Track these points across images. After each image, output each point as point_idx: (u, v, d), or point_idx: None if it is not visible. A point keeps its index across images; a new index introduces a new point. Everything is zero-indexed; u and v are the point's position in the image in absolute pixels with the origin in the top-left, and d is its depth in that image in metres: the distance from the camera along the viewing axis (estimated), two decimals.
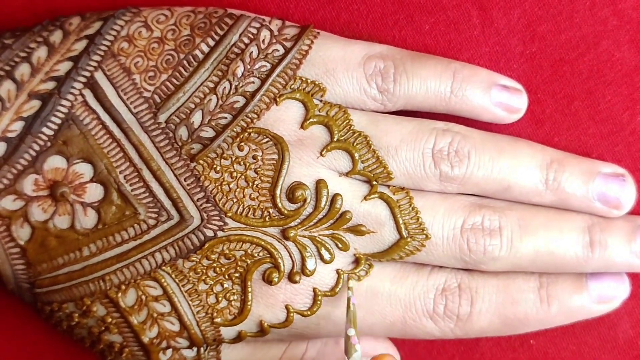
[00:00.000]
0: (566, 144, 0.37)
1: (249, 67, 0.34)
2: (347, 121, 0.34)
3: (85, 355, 0.39)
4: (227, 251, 0.34)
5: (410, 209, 0.34)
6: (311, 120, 0.34)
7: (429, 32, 0.37)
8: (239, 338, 0.35)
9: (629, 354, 0.38)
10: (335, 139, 0.34)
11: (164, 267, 0.34)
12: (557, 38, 0.37)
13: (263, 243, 0.34)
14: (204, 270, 0.34)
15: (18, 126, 0.33)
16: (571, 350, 0.39)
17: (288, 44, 0.34)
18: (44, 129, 0.33)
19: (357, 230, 0.34)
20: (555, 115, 0.37)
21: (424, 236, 0.34)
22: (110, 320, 0.34)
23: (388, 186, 0.35)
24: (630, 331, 0.38)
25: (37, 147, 0.33)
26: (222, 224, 0.34)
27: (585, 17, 0.37)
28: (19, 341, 0.39)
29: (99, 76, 0.34)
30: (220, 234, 0.34)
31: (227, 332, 0.35)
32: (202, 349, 0.35)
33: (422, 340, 0.39)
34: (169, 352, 0.35)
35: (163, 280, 0.34)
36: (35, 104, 0.33)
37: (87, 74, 0.33)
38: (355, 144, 0.34)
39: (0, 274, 0.34)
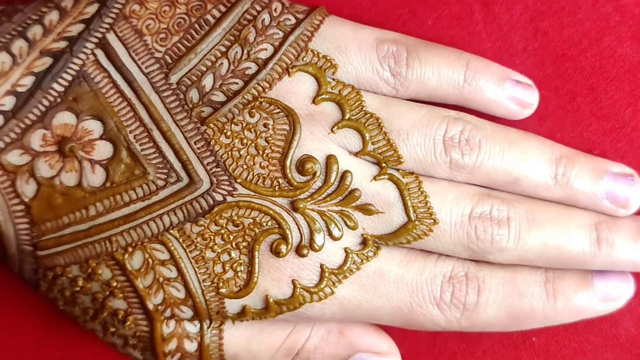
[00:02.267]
0: (569, 140, 0.37)
1: (261, 33, 0.34)
2: (360, 102, 0.34)
3: (84, 352, 0.39)
4: (235, 217, 0.34)
5: (419, 192, 0.34)
6: (323, 96, 0.34)
7: (431, 27, 0.37)
8: (243, 313, 0.34)
9: (631, 352, 0.38)
10: (346, 117, 0.34)
11: (171, 231, 0.33)
12: (559, 34, 0.37)
13: (272, 212, 0.34)
14: (212, 237, 0.34)
15: (28, 81, 0.33)
16: (573, 348, 0.38)
17: (300, 16, 0.35)
18: (55, 85, 0.33)
19: (365, 209, 0.34)
20: (557, 112, 0.37)
21: (432, 221, 0.34)
22: (115, 284, 0.34)
23: (397, 170, 0.35)
24: (633, 329, 0.38)
25: (46, 103, 0.33)
26: (231, 189, 0.33)
27: (587, 13, 0.37)
28: (18, 339, 0.39)
29: (111, 37, 0.34)
30: (229, 199, 0.33)
31: (232, 306, 0.34)
32: (205, 325, 0.35)
33: (424, 338, 0.39)
34: (172, 324, 0.34)
35: (170, 244, 0.33)
36: (47, 60, 0.33)
37: (99, 35, 0.33)
38: (366, 125, 0.34)
39: (2, 235, 0.33)
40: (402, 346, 0.38)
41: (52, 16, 0.33)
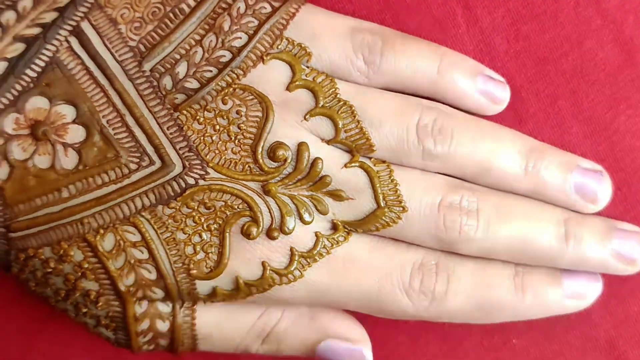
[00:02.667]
0: (549, 142, 0.37)
1: (236, 21, 0.34)
2: (334, 89, 0.35)
3: (73, 350, 0.39)
4: (207, 200, 0.34)
5: (390, 180, 0.34)
6: (297, 83, 0.34)
7: (414, 31, 0.37)
8: (213, 294, 0.35)
9: (611, 354, 0.38)
10: (320, 105, 0.34)
11: (143, 213, 0.34)
12: (541, 37, 0.37)
13: (243, 195, 0.34)
14: (183, 219, 0.34)
15: (1, 66, 0.33)
16: (553, 350, 0.38)
17: (275, 4, 0.35)
18: (28, 71, 0.33)
19: (336, 195, 0.34)
20: (538, 114, 0.37)
21: (401, 208, 0.34)
22: (87, 265, 0.34)
23: (369, 158, 0.35)
24: (612, 331, 0.38)
25: (19, 88, 0.33)
26: (203, 173, 0.34)
27: (569, 16, 0.37)
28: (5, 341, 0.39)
29: (85, 25, 0.34)
30: (201, 182, 0.34)
31: (202, 287, 0.35)
32: (177, 305, 0.35)
33: (404, 340, 0.39)
34: (145, 303, 0.35)
35: (142, 226, 0.34)
36: (20, 47, 0.33)
37: (73, 22, 0.34)
38: (339, 112, 0.34)
39: None
40: (384, 348, 0.38)
41: (26, 3, 0.34)
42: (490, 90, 0.36)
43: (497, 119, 0.36)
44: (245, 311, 0.36)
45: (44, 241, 0.34)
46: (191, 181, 0.34)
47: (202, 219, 0.34)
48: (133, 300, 0.34)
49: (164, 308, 0.35)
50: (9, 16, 0.33)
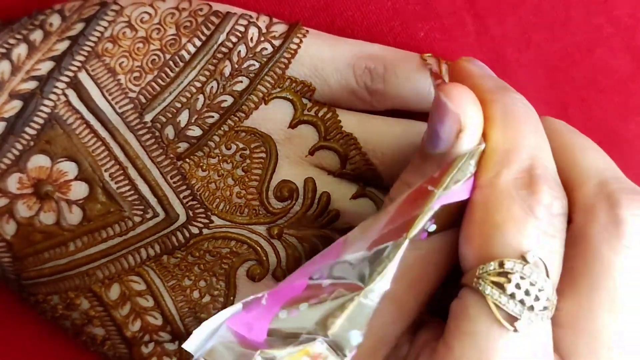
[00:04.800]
0: None
1: (237, 66, 0.34)
2: (336, 122, 0.34)
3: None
4: (212, 248, 0.34)
5: None
6: (300, 119, 0.34)
7: (423, 39, 0.37)
8: None
9: None
10: (323, 139, 0.34)
11: (148, 263, 0.34)
12: (551, 45, 0.37)
13: (248, 241, 0.34)
14: (189, 267, 0.34)
15: (0, 127, 0.33)
16: None
17: (277, 42, 0.34)
18: (27, 129, 0.33)
19: (344, 230, 0.34)
20: None
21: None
22: (93, 313, 0.34)
23: (376, 186, 0.35)
24: None
25: (20, 147, 0.33)
26: (207, 221, 0.34)
27: (580, 24, 0.37)
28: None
29: (83, 76, 0.33)
30: (205, 231, 0.34)
31: None
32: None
33: None
34: (151, 345, 0.35)
35: (147, 275, 0.34)
36: (17, 104, 0.33)
37: (71, 74, 0.33)
38: (343, 145, 0.34)
39: None
40: None
41: (20, 50, 0.33)
42: None
43: None
44: None
45: (52, 290, 0.34)
46: (195, 231, 0.34)
47: (208, 266, 0.34)
48: (140, 344, 0.35)
49: (171, 346, 0.35)
50: (4, 68, 0.33)
